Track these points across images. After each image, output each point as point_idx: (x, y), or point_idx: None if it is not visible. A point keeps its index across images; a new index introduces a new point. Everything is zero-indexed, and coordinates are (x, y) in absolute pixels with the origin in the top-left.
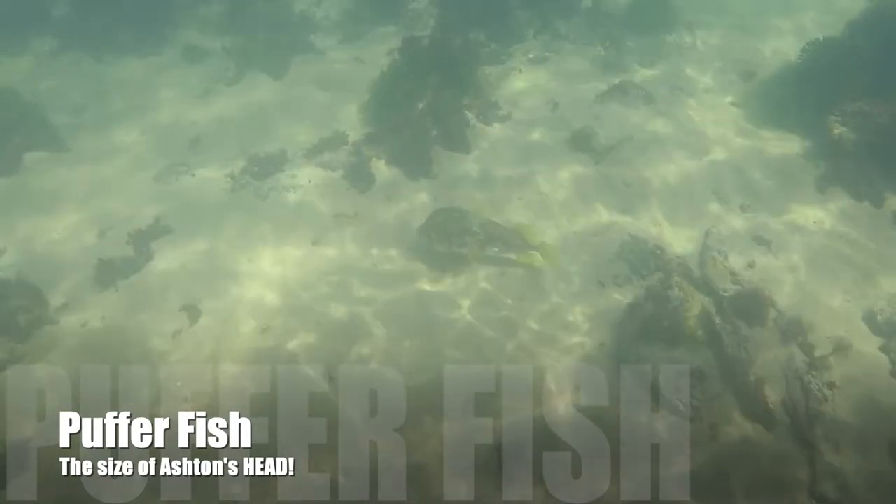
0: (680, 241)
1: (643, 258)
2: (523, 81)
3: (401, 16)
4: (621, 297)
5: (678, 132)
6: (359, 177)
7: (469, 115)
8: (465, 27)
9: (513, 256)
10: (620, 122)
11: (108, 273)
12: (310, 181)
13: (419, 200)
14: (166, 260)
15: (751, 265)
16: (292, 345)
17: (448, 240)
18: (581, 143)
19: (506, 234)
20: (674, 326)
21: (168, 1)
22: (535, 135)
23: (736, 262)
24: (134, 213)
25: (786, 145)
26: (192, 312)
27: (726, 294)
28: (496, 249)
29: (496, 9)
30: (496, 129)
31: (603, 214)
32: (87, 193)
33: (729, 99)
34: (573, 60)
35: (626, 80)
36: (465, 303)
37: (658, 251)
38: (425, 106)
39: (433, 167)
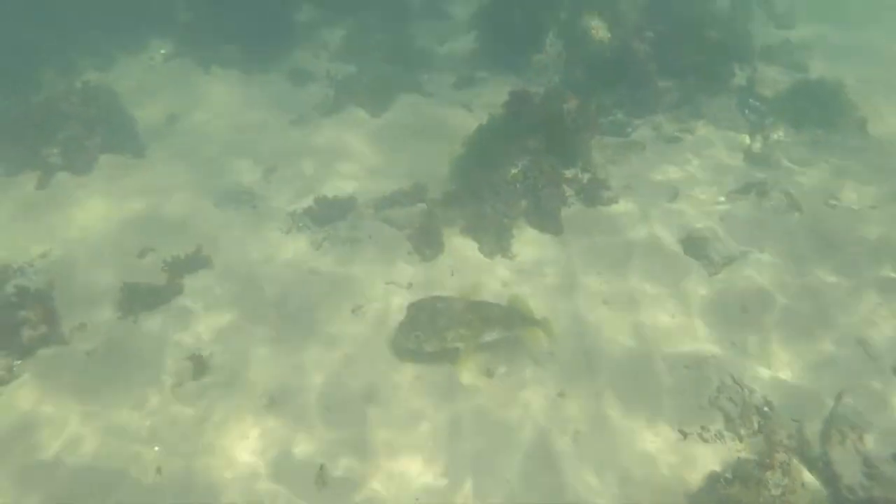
0: (801, 398)
1: (745, 412)
2: (644, 161)
3: (525, 67)
4: (705, 460)
5: None
6: (426, 242)
7: (568, 190)
8: (592, 89)
9: (514, 336)
10: (751, 229)
11: (132, 300)
12: (370, 237)
13: (488, 284)
14: (192, 299)
15: None
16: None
17: (439, 336)
18: (696, 247)
19: (503, 315)
20: None
21: (291, 20)
22: (643, 227)
23: (875, 446)
24: (181, 238)
25: None
26: (199, 364)
27: (852, 496)
28: (495, 334)
29: (633, 74)
30: (597, 213)
31: (704, 342)
32: (145, 207)
33: None
34: (710, 145)
35: (770, 179)
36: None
37: (767, 408)
38: (519, 172)
39: (513, 245)
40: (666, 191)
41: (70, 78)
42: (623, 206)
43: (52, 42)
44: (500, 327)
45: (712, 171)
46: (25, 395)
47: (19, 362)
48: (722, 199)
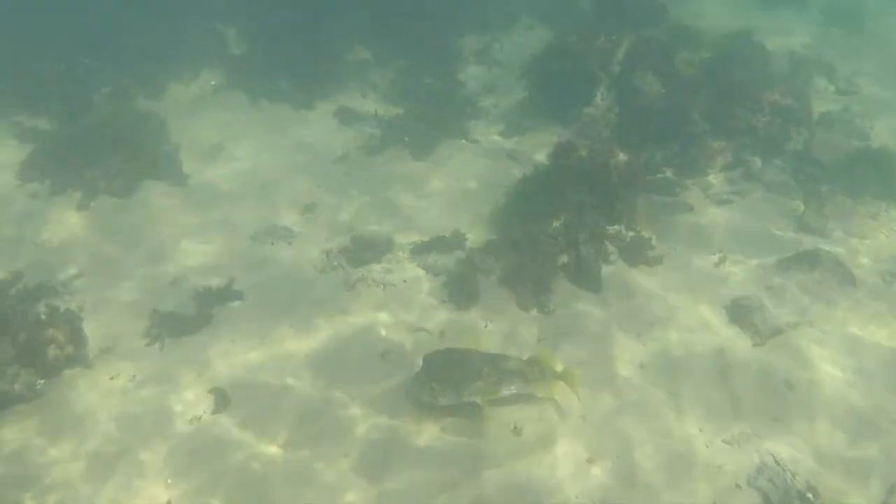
0: (848, 491)
1: (786, 496)
2: (692, 222)
3: (574, 119)
4: None
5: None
6: (461, 290)
7: (611, 247)
8: (641, 145)
9: (533, 391)
10: (801, 300)
11: (160, 327)
12: (404, 281)
13: (522, 335)
14: (220, 331)
15: None
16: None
17: (456, 389)
18: (741, 314)
19: (522, 368)
20: None
21: (342, 58)
22: (686, 290)
23: None
24: (215, 269)
25: None
26: (220, 398)
27: None
28: (513, 388)
29: (682, 132)
30: (640, 273)
31: (746, 415)
32: (180, 236)
33: None
34: (761, 210)
35: (823, 250)
36: None
37: (811, 496)
38: (561, 225)
39: (550, 300)
40: (713, 254)
41: (121, 104)
42: (667, 268)
43: (108, 69)
44: (519, 381)
45: (763, 237)
46: (44, 415)
47: (42, 381)
48: (771, 266)
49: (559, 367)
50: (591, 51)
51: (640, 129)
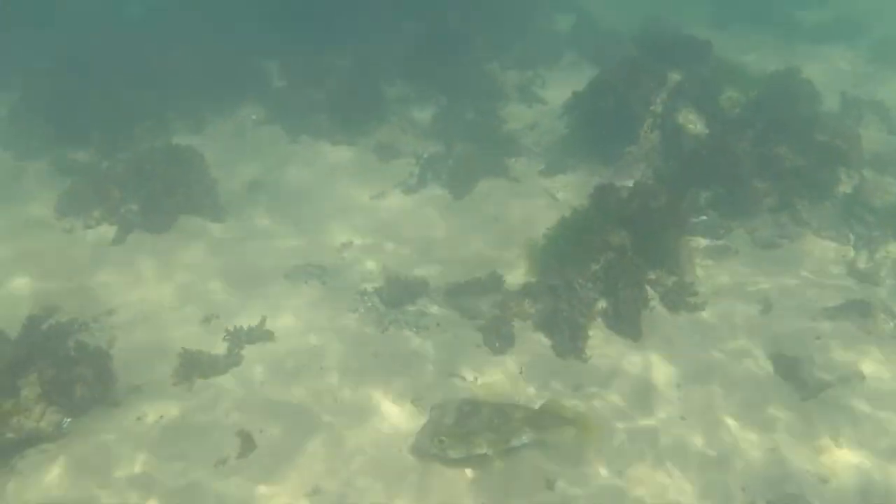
0: None
1: None
2: (736, 267)
3: (617, 158)
4: None
5: None
6: (496, 335)
7: (651, 293)
8: (684, 186)
9: (545, 440)
10: (851, 352)
11: (189, 367)
12: (438, 325)
13: (558, 386)
14: (249, 372)
15: None
16: None
17: (465, 441)
18: (787, 367)
19: (532, 417)
20: None
21: (382, 94)
22: (730, 339)
23: None
24: (247, 307)
25: None
26: (247, 442)
27: None
28: (524, 438)
29: (727, 173)
30: (681, 319)
31: (791, 469)
32: (216, 273)
33: None
34: (809, 255)
35: (875, 299)
36: None
37: None
38: (599, 269)
39: (587, 348)
40: (758, 301)
41: (162, 138)
42: (709, 315)
43: (151, 103)
44: (529, 431)
45: (810, 285)
46: (69, 454)
47: (69, 420)
48: (819, 315)
49: (571, 414)
50: (634, 88)
51: (684, 169)
